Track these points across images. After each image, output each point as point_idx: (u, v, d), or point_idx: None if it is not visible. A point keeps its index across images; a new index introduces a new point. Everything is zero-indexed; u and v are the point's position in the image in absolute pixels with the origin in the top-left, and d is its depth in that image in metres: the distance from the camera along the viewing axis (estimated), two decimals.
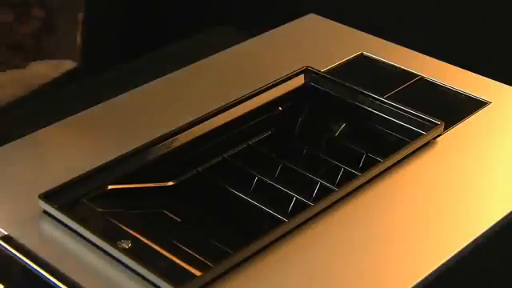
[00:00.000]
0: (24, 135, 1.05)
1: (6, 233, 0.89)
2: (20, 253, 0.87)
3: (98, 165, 0.96)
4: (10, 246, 0.88)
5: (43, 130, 1.06)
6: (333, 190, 0.96)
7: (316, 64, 1.16)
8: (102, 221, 0.92)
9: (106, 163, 0.96)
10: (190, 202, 0.99)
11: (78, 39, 1.45)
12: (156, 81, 1.15)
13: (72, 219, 0.88)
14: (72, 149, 1.03)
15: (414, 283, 0.84)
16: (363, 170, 0.97)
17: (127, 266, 0.84)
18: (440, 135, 1.04)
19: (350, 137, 1.09)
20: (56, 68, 1.38)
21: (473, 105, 1.11)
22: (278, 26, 1.30)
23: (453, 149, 1.03)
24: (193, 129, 1.03)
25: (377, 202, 0.94)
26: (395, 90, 1.14)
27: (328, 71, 1.17)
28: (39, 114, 1.12)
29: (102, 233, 0.87)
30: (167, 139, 1.01)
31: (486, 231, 0.91)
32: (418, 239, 0.90)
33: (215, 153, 1.03)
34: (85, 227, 0.87)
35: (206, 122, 1.03)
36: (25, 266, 0.86)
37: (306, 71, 1.14)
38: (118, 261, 0.85)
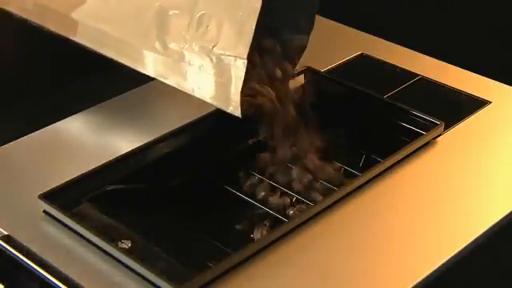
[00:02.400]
0: (24, 135, 1.05)
1: (6, 233, 0.89)
2: (20, 253, 0.87)
3: (98, 165, 0.96)
4: (10, 246, 0.88)
5: (43, 129, 1.06)
6: (333, 190, 0.96)
7: (316, 64, 1.16)
8: (102, 221, 0.92)
9: (106, 163, 0.96)
10: (189, 202, 0.98)
11: None
12: (156, 80, 1.15)
13: (72, 219, 0.88)
14: (72, 149, 1.03)
15: (414, 283, 0.84)
16: (363, 169, 0.97)
17: (127, 266, 0.84)
18: (440, 135, 1.04)
19: (350, 137, 1.09)
20: None
21: (473, 105, 1.11)
22: None
23: (453, 149, 1.03)
24: (193, 129, 1.03)
25: (377, 201, 0.94)
26: (395, 89, 1.14)
27: (328, 71, 1.17)
28: (39, 113, 1.12)
29: (102, 233, 0.87)
30: (167, 139, 1.01)
31: (486, 231, 0.91)
32: (418, 239, 0.90)
33: (215, 153, 1.03)
34: (85, 227, 0.87)
35: (206, 122, 1.03)
36: (25, 266, 0.86)
37: (306, 71, 1.14)
38: (118, 261, 0.85)
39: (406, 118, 1.06)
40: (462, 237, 0.89)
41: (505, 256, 1.02)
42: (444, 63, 1.21)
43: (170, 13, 0.92)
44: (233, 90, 0.88)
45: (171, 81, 0.94)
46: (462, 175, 0.99)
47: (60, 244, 0.88)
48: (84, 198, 0.94)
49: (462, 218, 0.93)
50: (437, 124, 1.03)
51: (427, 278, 0.84)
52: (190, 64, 0.91)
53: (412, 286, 0.83)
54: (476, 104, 1.11)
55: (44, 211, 0.91)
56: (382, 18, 1.62)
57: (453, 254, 0.87)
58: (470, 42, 1.58)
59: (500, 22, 1.57)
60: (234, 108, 0.88)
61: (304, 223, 0.90)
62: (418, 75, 1.17)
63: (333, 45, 1.25)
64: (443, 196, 0.96)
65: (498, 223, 0.92)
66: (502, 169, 1.02)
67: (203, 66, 0.90)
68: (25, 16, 1.04)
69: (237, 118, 0.88)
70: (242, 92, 0.87)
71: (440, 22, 1.62)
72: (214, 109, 1.04)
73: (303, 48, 1.01)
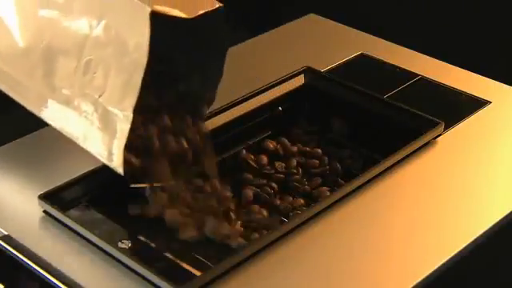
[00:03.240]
0: (24, 135, 1.05)
1: (6, 233, 0.89)
2: (20, 253, 0.87)
3: (98, 165, 0.96)
4: (10, 246, 0.88)
5: (43, 129, 1.06)
6: (332, 190, 0.96)
7: (316, 64, 1.16)
8: (102, 221, 0.92)
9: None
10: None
11: None
12: None
13: (72, 219, 0.88)
14: (72, 149, 1.03)
15: (414, 283, 0.84)
16: (363, 170, 0.97)
17: (127, 266, 0.84)
18: (440, 135, 1.04)
19: (349, 137, 1.09)
20: None
21: (473, 105, 1.11)
22: (278, 26, 1.30)
23: (453, 149, 1.03)
24: None
25: (377, 201, 0.94)
26: (395, 90, 1.14)
27: (328, 71, 1.17)
28: None
29: (102, 233, 0.87)
30: None
31: (486, 231, 0.91)
32: (418, 239, 0.90)
33: (215, 153, 1.03)
34: (85, 227, 0.87)
35: (205, 122, 1.02)
36: (25, 266, 0.86)
37: (306, 71, 1.14)
38: (118, 261, 0.85)
39: (405, 118, 1.06)
40: (462, 237, 0.89)
41: (505, 256, 1.02)
42: (444, 63, 1.21)
43: (58, 53, 0.88)
44: (116, 143, 0.84)
45: (57, 124, 0.90)
46: (462, 175, 0.99)
47: (60, 244, 0.88)
48: (84, 198, 0.94)
49: (462, 218, 0.93)
50: (437, 124, 1.03)
51: (427, 277, 0.84)
52: (75, 110, 0.87)
53: (412, 286, 0.83)
54: (476, 104, 1.11)
55: (44, 211, 0.91)
56: (382, 18, 1.62)
57: (453, 253, 0.87)
58: (470, 42, 1.59)
59: (500, 22, 1.58)
60: (116, 164, 0.85)
61: (304, 223, 0.90)
62: (417, 75, 1.17)
63: (333, 45, 1.25)
64: (443, 196, 0.96)
65: (498, 223, 0.92)
66: (502, 169, 1.02)
67: (88, 114, 0.86)
68: None
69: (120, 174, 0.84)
70: (125, 147, 0.84)
71: (440, 22, 1.62)
72: (214, 109, 1.04)
73: (211, 100, 0.95)
